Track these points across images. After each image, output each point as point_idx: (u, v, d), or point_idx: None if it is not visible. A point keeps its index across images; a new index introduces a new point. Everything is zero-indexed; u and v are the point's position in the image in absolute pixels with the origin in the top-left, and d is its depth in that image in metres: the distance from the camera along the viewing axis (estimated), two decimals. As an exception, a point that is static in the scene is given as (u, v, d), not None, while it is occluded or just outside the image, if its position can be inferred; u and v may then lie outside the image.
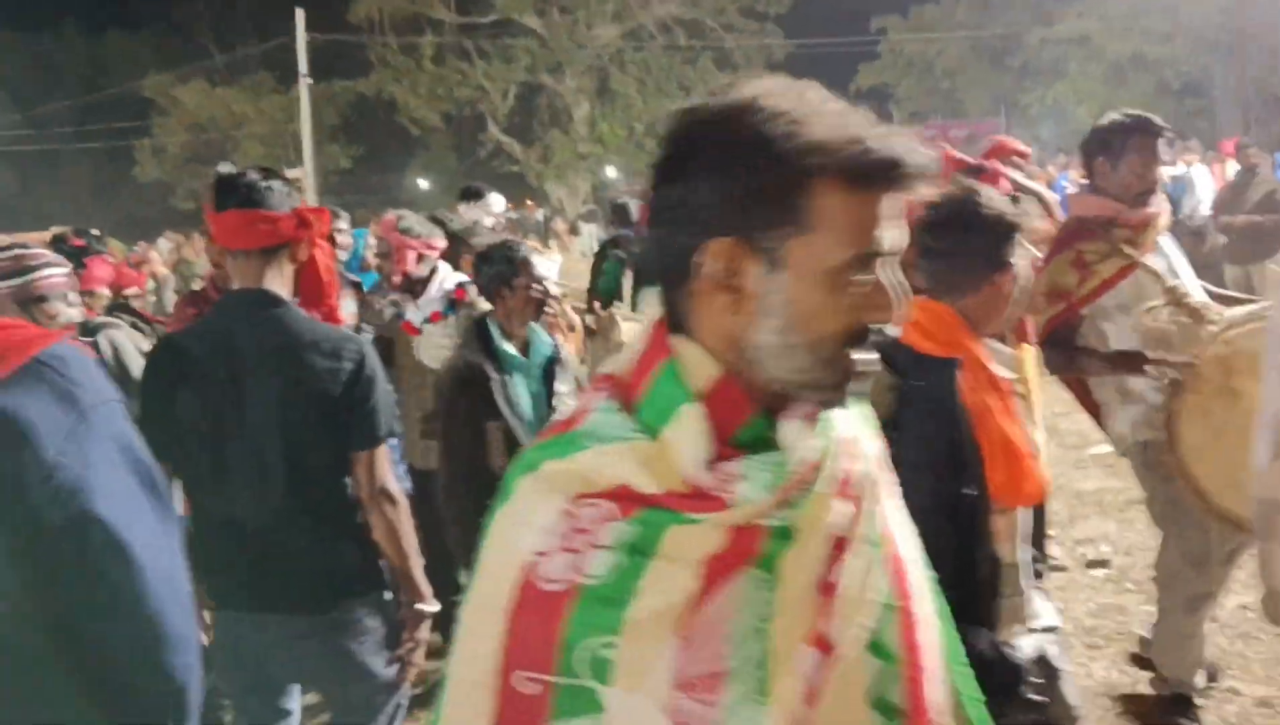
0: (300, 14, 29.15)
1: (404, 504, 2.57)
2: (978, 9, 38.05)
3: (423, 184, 43.44)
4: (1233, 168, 11.47)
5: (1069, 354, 3.40)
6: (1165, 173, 10.38)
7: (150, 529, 1.43)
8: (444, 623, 2.56)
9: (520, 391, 3.30)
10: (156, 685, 1.43)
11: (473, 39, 32.76)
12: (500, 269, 3.37)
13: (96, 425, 1.39)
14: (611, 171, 34.23)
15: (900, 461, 1.35)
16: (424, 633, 2.63)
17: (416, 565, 2.58)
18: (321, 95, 33.77)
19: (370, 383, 2.50)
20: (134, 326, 3.63)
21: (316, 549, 2.49)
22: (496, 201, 5.94)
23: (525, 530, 1.03)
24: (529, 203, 34.43)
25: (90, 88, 37.07)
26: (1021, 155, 4.47)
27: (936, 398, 2.10)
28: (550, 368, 3.40)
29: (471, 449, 3.19)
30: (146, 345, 3.57)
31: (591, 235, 22.89)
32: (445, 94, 32.32)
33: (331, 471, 2.50)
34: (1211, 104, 31.49)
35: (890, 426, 2.03)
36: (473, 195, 5.36)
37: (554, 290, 3.48)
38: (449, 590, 2.98)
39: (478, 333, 3.38)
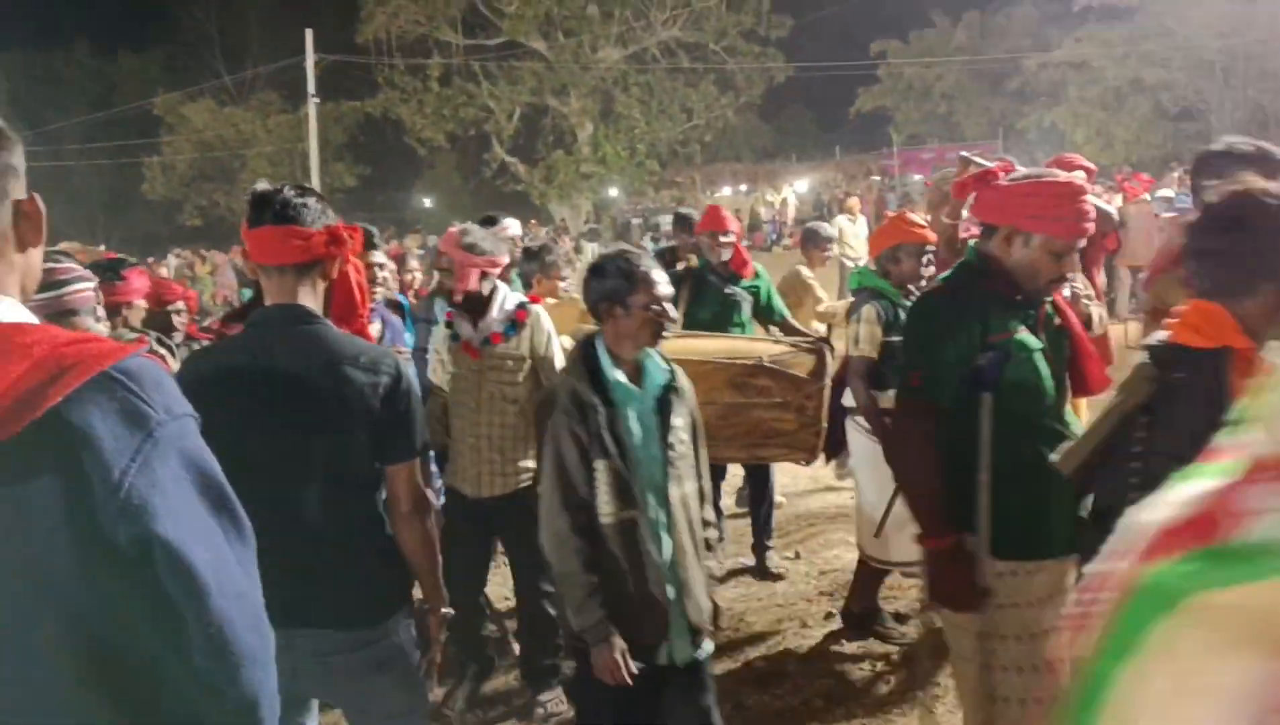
0: (309, 34, 29.51)
1: (434, 515, 2.68)
2: (976, 34, 38.52)
3: (428, 203, 43.75)
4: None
5: None
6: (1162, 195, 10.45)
7: (217, 546, 1.41)
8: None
9: (632, 425, 2.92)
10: (225, 705, 1.43)
11: (479, 61, 33.07)
12: (615, 284, 2.92)
13: (164, 443, 1.36)
14: (614, 191, 34.51)
15: (1157, 449, 1.48)
16: (442, 636, 2.76)
17: (439, 573, 2.70)
18: (329, 115, 34.09)
19: (408, 396, 2.55)
20: (160, 342, 3.69)
21: (354, 563, 2.53)
22: (513, 226, 5.86)
23: (1205, 706, 0.73)
24: (533, 222, 34.74)
25: (100, 106, 37.42)
26: (1088, 171, 4.43)
27: (1201, 387, 2.06)
28: (665, 398, 3.00)
29: (574, 490, 2.87)
30: (174, 364, 3.50)
31: (593, 254, 23.07)
32: (451, 114, 32.55)
33: (369, 485, 2.56)
34: (1208, 128, 31.83)
35: (1142, 412, 2.23)
36: (488, 223, 5.28)
37: (672, 312, 3.04)
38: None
39: (584, 357, 2.98)
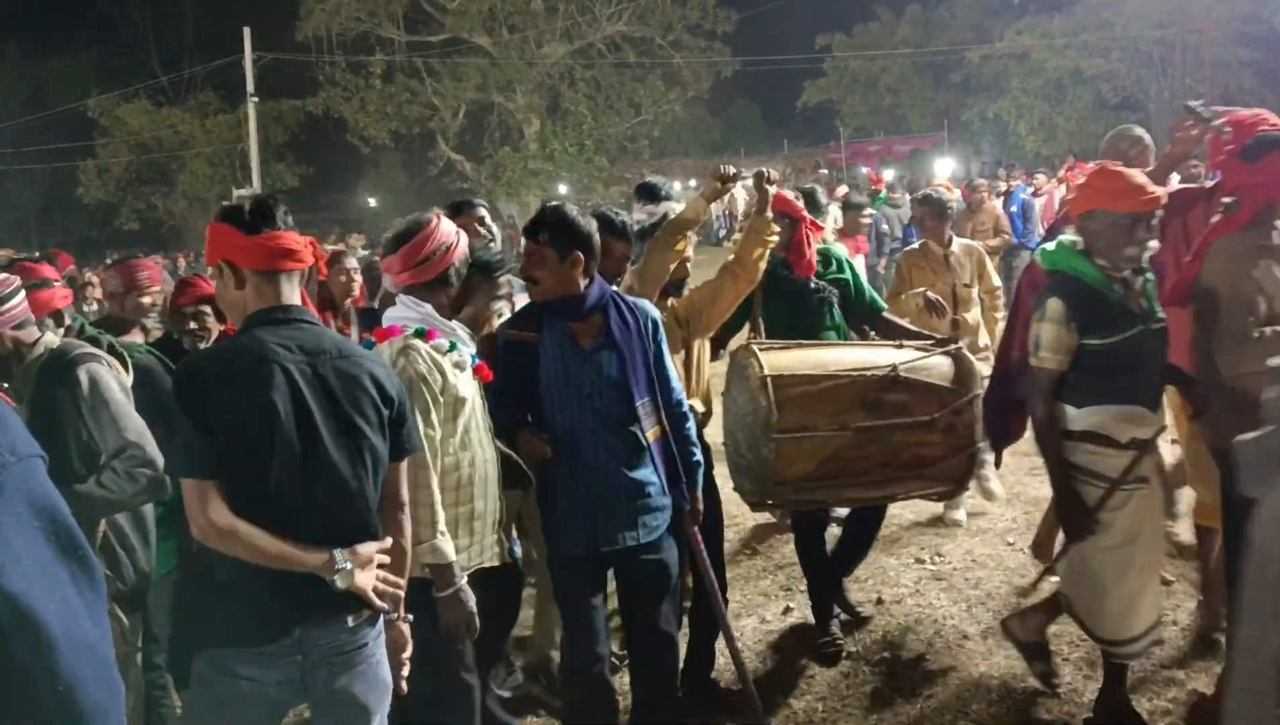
0: (247, 32, 28.92)
1: None
2: (920, 27, 38.83)
3: (372, 202, 43.20)
4: (1174, 179, 11.80)
5: None
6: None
7: (66, 597, 1.33)
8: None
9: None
10: None
11: (422, 57, 32.68)
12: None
13: (9, 488, 1.29)
14: (563, 187, 34.29)
15: None
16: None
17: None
18: (269, 114, 33.51)
19: (406, 392, 2.67)
20: (111, 349, 3.49)
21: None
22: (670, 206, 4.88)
23: None
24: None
25: (32, 108, 36.41)
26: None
27: None
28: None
29: None
30: (126, 377, 3.43)
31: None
32: (395, 112, 32.15)
33: (378, 481, 2.55)
34: (1148, 117, 32.33)
35: None
36: (649, 194, 4.47)
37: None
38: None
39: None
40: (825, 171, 33.24)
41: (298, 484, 2.34)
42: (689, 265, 4.17)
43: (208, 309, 4.11)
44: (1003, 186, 15.96)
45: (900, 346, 4.21)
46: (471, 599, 2.95)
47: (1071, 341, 3.47)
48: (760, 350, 4.03)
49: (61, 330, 3.55)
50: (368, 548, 2.45)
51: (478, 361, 3.23)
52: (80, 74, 39.89)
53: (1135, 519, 3.51)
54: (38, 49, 40.77)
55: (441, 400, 2.99)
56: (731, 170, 3.95)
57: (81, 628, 1.34)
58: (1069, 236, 3.62)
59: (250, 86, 29.30)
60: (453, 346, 3.09)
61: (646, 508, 3.30)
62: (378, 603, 2.47)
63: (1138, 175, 3.49)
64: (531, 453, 3.25)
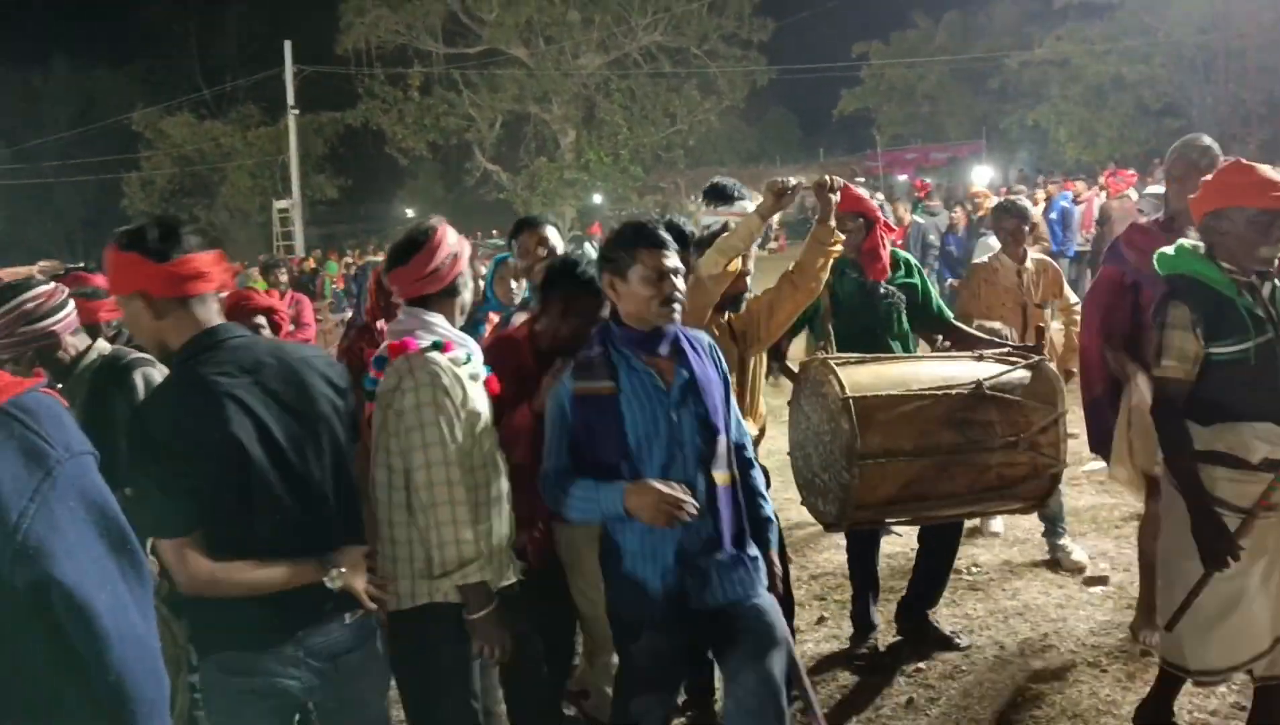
0: (288, 46, 29.31)
1: None
2: (958, 34, 38.57)
3: (410, 213, 43.51)
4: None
5: None
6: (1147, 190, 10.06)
7: (117, 591, 1.36)
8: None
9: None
10: None
11: (460, 69, 32.93)
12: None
13: (63, 483, 1.33)
14: (598, 198, 34.38)
15: None
16: None
17: None
18: (309, 126, 33.93)
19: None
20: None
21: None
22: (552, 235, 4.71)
23: None
24: (516, 230, 34.54)
25: (79, 122, 37.12)
26: None
27: None
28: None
29: None
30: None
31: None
32: (432, 124, 32.40)
33: (350, 469, 2.65)
34: (1190, 124, 31.88)
35: None
36: (719, 196, 4.09)
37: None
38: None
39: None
40: (862, 180, 33.07)
41: (278, 504, 2.39)
42: (748, 279, 3.83)
43: (263, 321, 4.20)
44: (1041, 194, 15.84)
45: (980, 357, 3.97)
46: (504, 619, 2.81)
47: (1198, 349, 3.21)
48: (837, 366, 3.77)
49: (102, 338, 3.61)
50: (353, 552, 2.53)
51: (486, 375, 3.05)
52: (125, 88, 40.63)
53: (1258, 547, 3.23)
54: (85, 64, 41.58)
55: (462, 415, 2.80)
56: (791, 181, 3.59)
57: (131, 621, 1.37)
58: (1189, 240, 3.42)
59: (291, 99, 29.72)
60: (468, 358, 2.93)
61: (738, 561, 2.93)
62: (370, 603, 2.56)
63: (1270, 170, 3.26)
64: (667, 513, 2.74)
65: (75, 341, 3.26)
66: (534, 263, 4.13)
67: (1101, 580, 5.06)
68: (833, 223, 3.74)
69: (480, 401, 2.93)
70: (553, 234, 4.28)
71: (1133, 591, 4.77)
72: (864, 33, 38.65)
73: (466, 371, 2.89)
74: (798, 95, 38.85)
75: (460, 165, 35.07)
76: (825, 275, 3.81)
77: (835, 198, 3.71)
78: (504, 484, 3.01)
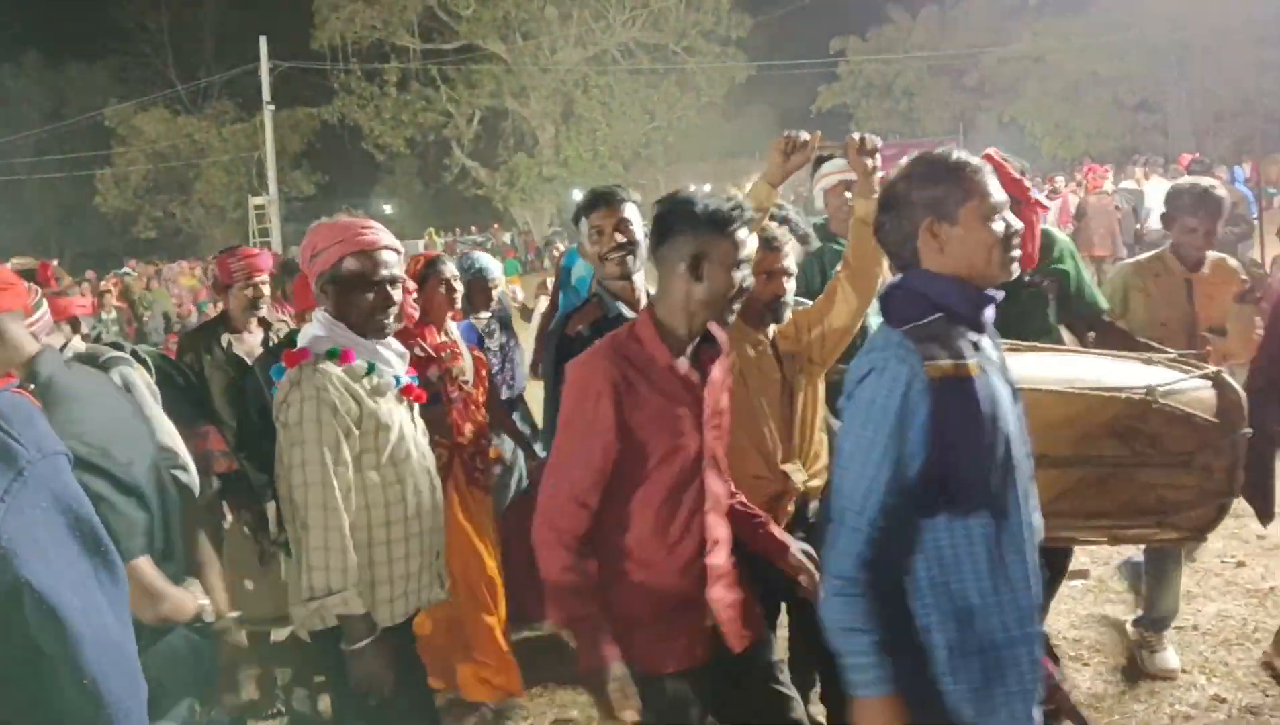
0: (263, 41, 29.09)
1: None
2: (935, 30, 38.66)
3: (388, 209, 43.37)
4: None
5: None
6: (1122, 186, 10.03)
7: (91, 593, 1.34)
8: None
9: None
10: None
11: (437, 65, 32.80)
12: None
13: (34, 483, 1.30)
14: (577, 194, 34.33)
15: None
16: None
17: None
18: (285, 122, 33.71)
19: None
20: (134, 355, 3.50)
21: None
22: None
23: None
24: (495, 226, 34.48)
25: (51, 118, 36.74)
26: None
27: None
28: None
29: None
30: (150, 381, 3.44)
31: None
32: (410, 120, 32.29)
33: None
34: (1165, 119, 32.12)
35: None
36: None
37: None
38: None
39: None
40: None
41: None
42: (788, 282, 3.11)
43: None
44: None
45: (1149, 362, 3.36)
46: (387, 652, 2.60)
47: None
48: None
49: (77, 337, 3.56)
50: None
51: (403, 383, 2.81)
52: (98, 84, 40.22)
53: None
54: (56, 59, 41.16)
55: (356, 431, 2.61)
56: (803, 135, 2.95)
57: (105, 624, 1.35)
58: None
59: (266, 95, 29.48)
60: (371, 368, 2.70)
61: None
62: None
63: None
64: None
65: (50, 342, 3.21)
66: (610, 250, 3.22)
67: (1082, 574, 5.06)
68: (877, 193, 3.04)
69: (391, 416, 2.71)
70: (633, 213, 3.28)
71: (1113, 584, 4.79)
72: (841, 28, 38.70)
73: (367, 384, 2.68)
74: (776, 91, 38.81)
75: (438, 161, 34.96)
76: (884, 265, 3.02)
77: (874, 163, 2.98)
78: (429, 498, 2.80)
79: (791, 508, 3.08)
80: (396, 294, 2.72)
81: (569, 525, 2.38)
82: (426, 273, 4.21)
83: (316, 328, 2.71)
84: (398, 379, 2.79)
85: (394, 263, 2.73)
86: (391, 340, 2.84)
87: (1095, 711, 3.82)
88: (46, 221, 40.66)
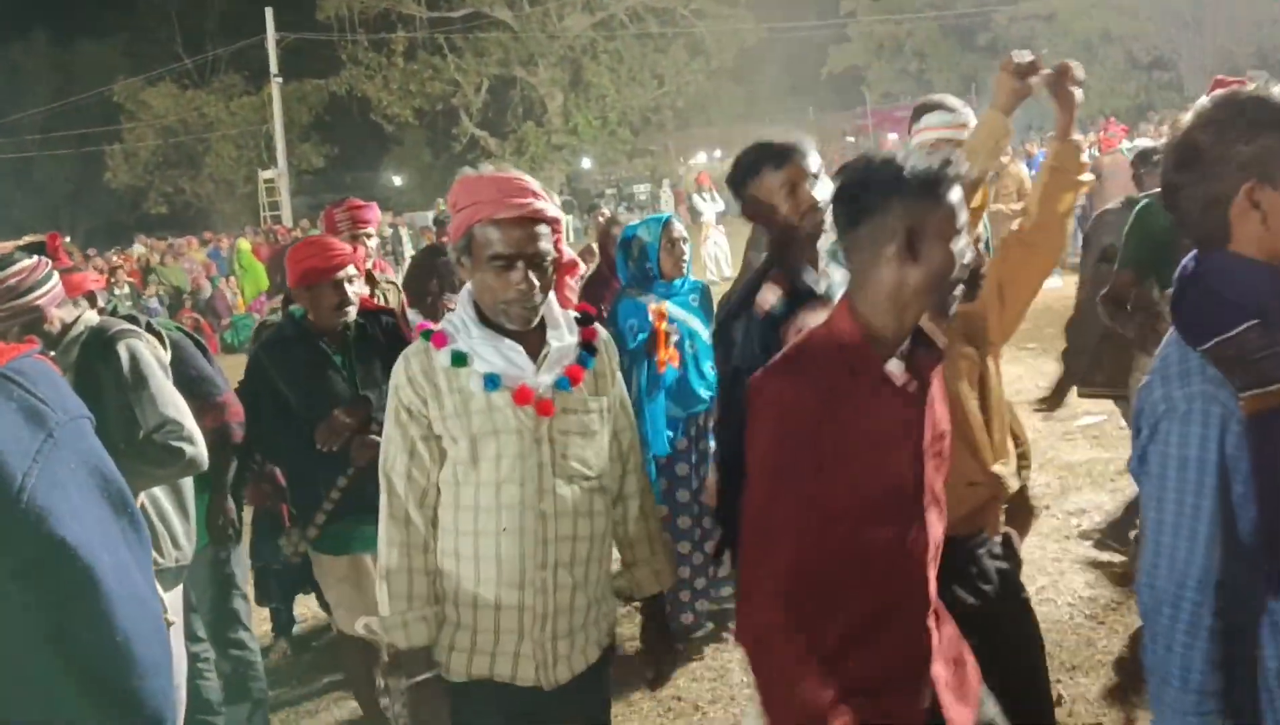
0: (269, 13, 28.96)
1: None
2: (946, -11, 38.23)
3: (397, 180, 43.27)
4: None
5: None
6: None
7: (120, 552, 1.35)
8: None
9: None
10: (130, 713, 1.36)
11: (444, 34, 32.60)
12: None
13: (64, 444, 1.30)
14: (586, 162, 34.21)
15: None
16: None
17: None
18: (293, 95, 33.59)
19: None
20: (149, 327, 3.53)
21: None
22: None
23: None
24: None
25: (61, 95, 36.68)
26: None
27: None
28: None
29: None
30: (163, 353, 3.47)
31: (569, 226, 22.80)
32: (418, 89, 32.16)
33: None
34: (1179, 77, 31.74)
35: None
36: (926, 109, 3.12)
37: None
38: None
39: None
40: (851, 140, 32.94)
41: None
42: (983, 245, 2.73)
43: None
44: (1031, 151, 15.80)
45: None
46: (436, 700, 2.23)
47: None
48: None
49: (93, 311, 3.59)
50: None
51: (516, 386, 2.23)
52: (106, 60, 40.07)
53: None
54: (64, 36, 41.03)
55: (447, 437, 2.26)
56: (1027, 56, 2.60)
57: (135, 582, 1.36)
58: None
59: (274, 67, 29.40)
60: (459, 360, 2.24)
61: None
62: None
63: None
64: None
65: (61, 313, 3.25)
66: (809, 209, 2.56)
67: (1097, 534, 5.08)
68: (1077, 137, 2.62)
69: (488, 418, 2.20)
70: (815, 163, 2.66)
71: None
72: (851, -11, 38.31)
73: (463, 376, 2.21)
74: (786, 54, 38.47)
75: (447, 131, 34.80)
76: (1069, 221, 2.70)
77: (1079, 95, 2.59)
78: (538, 555, 2.21)
79: (1002, 516, 2.59)
80: (539, 276, 2.19)
81: (789, 600, 1.83)
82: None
83: (459, 299, 2.35)
84: (495, 379, 2.20)
85: (543, 236, 2.20)
86: (566, 326, 2.33)
87: (1110, 669, 3.85)
88: (57, 198, 40.67)
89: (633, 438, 2.46)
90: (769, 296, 2.53)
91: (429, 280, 5.19)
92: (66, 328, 3.25)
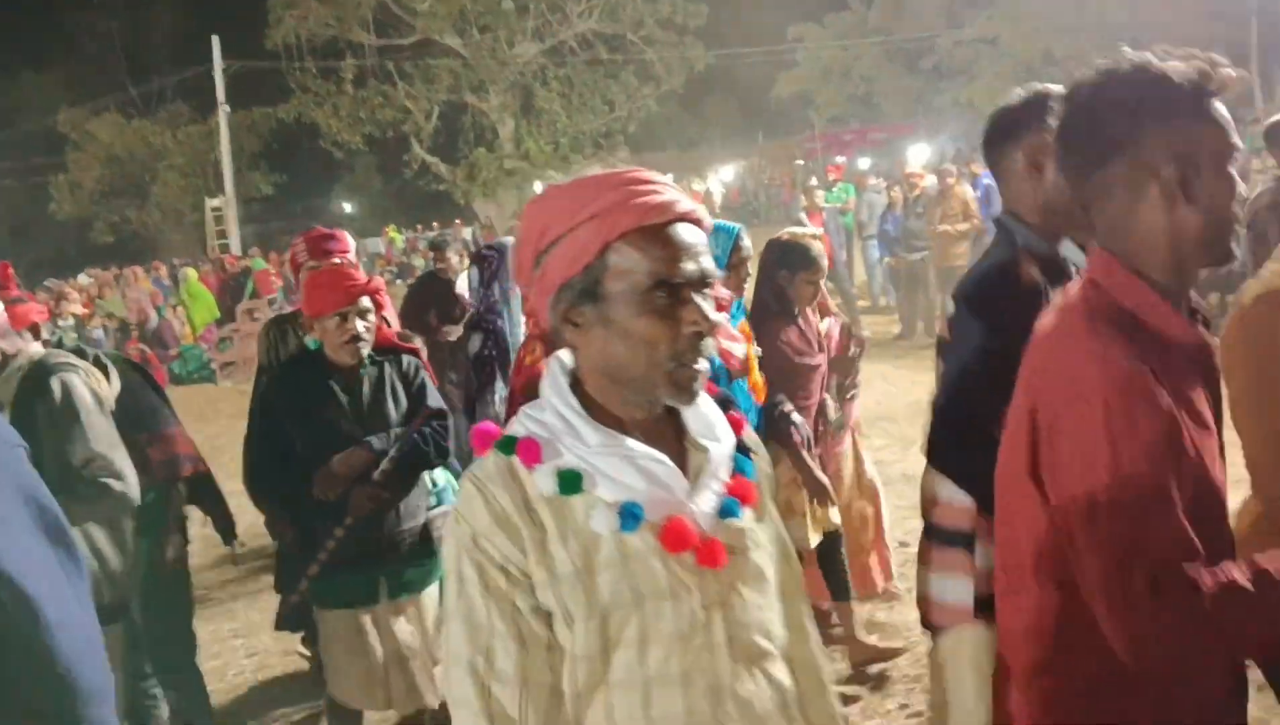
0: (216, 41, 28.74)
1: None
2: (891, 14, 38.91)
3: (347, 207, 43.07)
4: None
5: None
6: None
7: (58, 581, 1.34)
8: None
9: None
10: None
11: (394, 61, 32.54)
12: None
13: (2, 473, 1.31)
14: (538, 186, 34.18)
15: None
16: None
17: None
18: (241, 123, 33.32)
19: None
20: (98, 362, 3.47)
21: None
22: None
23: None
24: (458, 222, 34.29)
25: (3, 126, 36.11)
26: None
27: None
28: None
29: None
30: (107, 386, 3.41)
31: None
32: (368, 116, 31.99)
33: None
34: (1119, 98, 32.45)
35: None
36: None
37: None
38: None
39: None
40: (801, 163, 33.30)
41: None
42: None
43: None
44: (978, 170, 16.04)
45: None
46: None
47: None
48: None
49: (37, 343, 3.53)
50: None
51: (660, 521, 1.42)
52: (50, 90, 39.54)
53: None
54: (7, 68, 40.42)
55: (560, 598, 1.41)
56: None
57: (74, 612, 1.36)
58: None
59: (221, 95, 29.13)
60: (571, 483, 1.39)
61: None
62: None
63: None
64: None
65: (4, 345, 3.21)
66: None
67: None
68: None
69: (623, 577, 1.36)
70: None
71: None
72: (798, 15, 38.84)
73: (578, 511, 1.37)
74: (735, 80, 38.93)
75: (398, 157, 34.64)
76: None
77: None
78: None
79: None
80: (710, 311, 1.38)
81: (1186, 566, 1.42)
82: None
83: (546, 382, 1.47)
84: (635, 511, 1.36)
85: (701, 248, 1.41)
86: (709, 413, 1.49)
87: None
88: (2, 230, 40.01)
89: (799, 572, 1.62)
90: (1029, 267, 2.22)
91: (426, 312, 4.89)
92: (8, 359, 3.20)
